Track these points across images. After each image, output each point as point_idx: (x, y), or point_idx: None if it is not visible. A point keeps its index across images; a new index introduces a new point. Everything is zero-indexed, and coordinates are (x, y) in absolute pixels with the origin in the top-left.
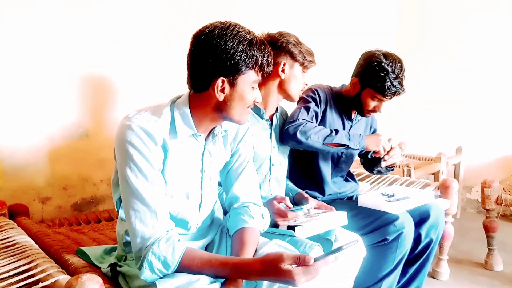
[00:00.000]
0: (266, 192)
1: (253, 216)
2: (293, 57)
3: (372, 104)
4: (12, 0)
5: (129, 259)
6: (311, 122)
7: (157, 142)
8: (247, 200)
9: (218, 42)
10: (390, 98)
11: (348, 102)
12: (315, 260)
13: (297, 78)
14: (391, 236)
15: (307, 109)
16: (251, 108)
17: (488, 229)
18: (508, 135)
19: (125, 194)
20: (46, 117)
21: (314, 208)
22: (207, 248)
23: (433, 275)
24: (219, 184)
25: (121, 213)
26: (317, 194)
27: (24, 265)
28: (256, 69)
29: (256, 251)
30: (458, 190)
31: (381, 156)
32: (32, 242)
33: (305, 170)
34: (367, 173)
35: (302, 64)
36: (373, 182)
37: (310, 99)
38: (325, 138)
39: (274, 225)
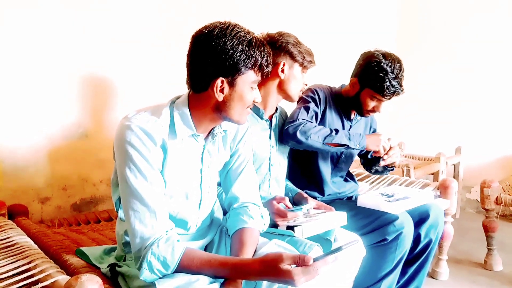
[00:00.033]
0: (265, 192)
1: (253, 216)
2: (292, 57)
3: (371, 104)
4: (12, 0)
5: (129, 259)
6: (311, 122)
7: (157, 142)
8: (246, 200)
9: (217, 42)
10: (389, 98)
11: (347, 102)
12: (315, 260)
13: (297, 78)
14: (391, 236)
15: (307, 109)
16: (250, 108)
17: (487, 229)
18: (508, 135)
19: (124, 194)
20: (46, 117)
21: (314, 208)
22: (206, 248)
23: (432, 275)
24: (219, 184)
25: (121, 213)
26: (316, 194)
27: (23, 265)
28: (256, 69)
29: (255, 251)
30: (458, 190)
31: (381, 156)
32: (32, 243)
33: (304, 170)
34: (367, 173)
35: (301, 64)
36: (372, 182)
37: (309, 99)
38: (325, 138)
39: (274, 225)
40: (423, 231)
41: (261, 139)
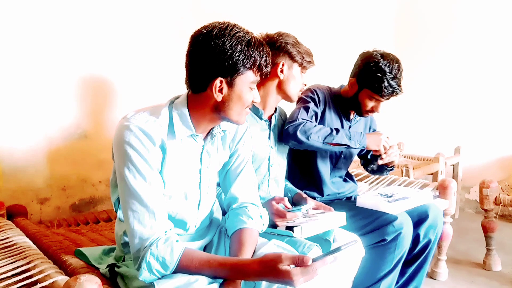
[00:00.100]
0: (264, 193)
1: (252, 216)
2: (292, 58)
3: (370, 104)
4: (10, 0)
5: (128, 259)
6: (311, 122)
7: (156, 143)
8: (245, 201)
9: (216, 43)
10: (388, 99)
11: (346, 103)
12: (314, 260)
13: (296, 79)
14: (390, 236)
15: (307, 109)
16: (249, 109)
17: (486, 230)
18: (507, 135)
19: (123, 194)
20: (45, 118)
21: (313, 209)
22: (205, 248)
23: (431, 275)
24: (218, 184)
25: (120, 213)
26: (315, 194)
27: (22, 266)
28: (254, 69)
29: (254, 251)
30: (457, 190)
31: (381, 155)
32: (31, 243)
33: (303, 170)
34: (366, 173)
35: (301, 65)
36: (371, 182)
37: (309, 99)
38: (325, 138)
39: (273, 225)
40: (422, 231)
41: (260, 139)
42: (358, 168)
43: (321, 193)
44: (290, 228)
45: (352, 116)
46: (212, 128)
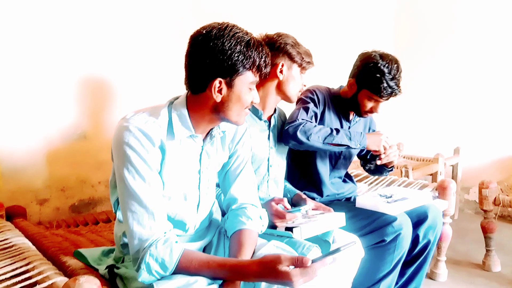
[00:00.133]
0: (264, 193)
1: (251, 217)
2: (291, 58)
3: (369, 105)
4: (9, 1)
5: (127, 260)
6: (311, 122)
7: (155, 143)
8: (245, 202)
9: (215, 43)
10: (387, 99)
11: (345, 103)
12: (313, 261)
13: (295, 79)
14: (389, 237)
15: (306, 109)
16: (249, 109)
17: (486, 230)
18: (506, 136)
19: (122, 195)
20: (44, 119)
21: (312, 209)
22: (205, 249)
23: (431, 276)
24: (217, 185)
25: (119, 214)
26: (315, 195)
27: (21, 267)
28: (254, 70)
29: (254, 252)
30: (456, 191)
31: (380, 155)
32: (30, 244)
33: (303, 171)
34: (365, 174)
35: (300, 65)
36: (371, 183)
37: (308, 100)
38: (325, 138)
39: (272, 226)
40: (421, 232)
41: (260, 140)
42: (358, 169)
43: (320, 193)
44: (289, 229)
45: (351, 116)
46: (212, 129)
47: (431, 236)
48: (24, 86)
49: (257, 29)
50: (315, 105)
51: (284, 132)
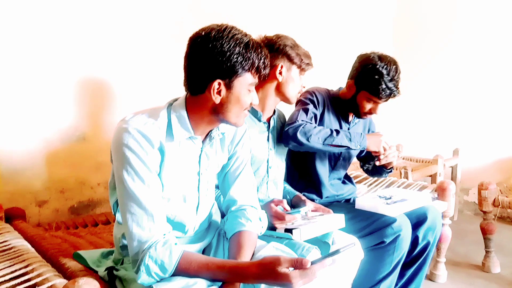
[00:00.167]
0: (263, 195)
1: (251, 219)
2: (290, 60)
3: (368, 106)
4: (8, 1)
5: (126, 262)
6: (311, 123)
7: (154, 145)
8: (244, 203)
9: (214, 45)
10: (386, 100)
11: (345, 105)
12: (312, 263)
13: (295, 81)
14: (389, 238)
15: (306, 111)
16: (248, 111)
17: (485, 231)
18: (505, 137)
19: (122, 197)
20: (43, 120)
21: (312, 211)
22: (204, 251)
23: (430, 277)
24: (217, 187)
25: (118, 216)
26: (314, 196)
27: (20, 269)
28: (253, 71)
29: (253, 254)
30: (455, 192)
31: (379, 156)
32: (29, 246)
33: (302, 172)
34: (365, 175)
35: (299, 67)
36: (370, 184)
37: (308, 101)
38: (325, 139)
39: (272, 228)
40: (421, 233)
41: (259, 142)
42: (357, 170)
43: (320, 195)
44: (289, 230)
45: (350, 118)
46: (211, 131)
47: (431, 237)
48: (23, 87)
49: (257, 30)
50: (315, 107)
51: (284, 133)
